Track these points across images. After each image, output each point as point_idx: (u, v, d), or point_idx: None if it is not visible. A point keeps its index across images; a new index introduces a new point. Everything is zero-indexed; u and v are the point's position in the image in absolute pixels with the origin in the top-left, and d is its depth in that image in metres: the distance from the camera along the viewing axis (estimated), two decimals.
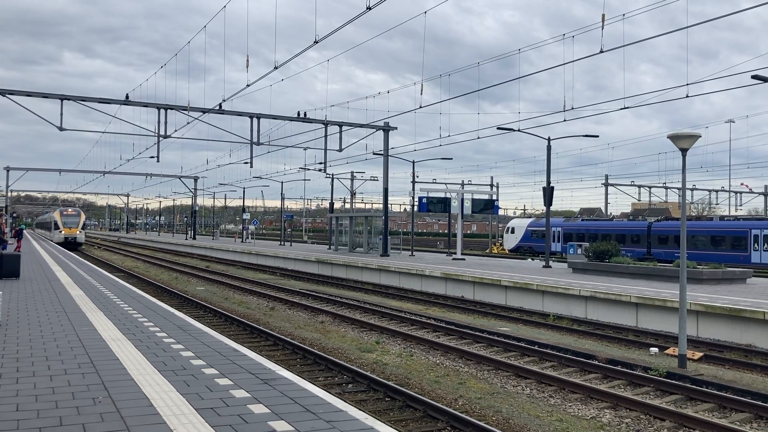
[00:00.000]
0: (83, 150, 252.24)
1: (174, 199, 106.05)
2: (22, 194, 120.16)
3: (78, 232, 59.15)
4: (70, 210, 63.86)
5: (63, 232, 58.03)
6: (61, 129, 30.50)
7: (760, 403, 9.66)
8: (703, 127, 75.43)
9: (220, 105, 30.03)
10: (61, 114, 30.43)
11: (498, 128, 30.18)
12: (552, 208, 31.99)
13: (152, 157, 34.37)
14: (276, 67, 20.88)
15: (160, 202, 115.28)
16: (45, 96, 30.60)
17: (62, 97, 30.52)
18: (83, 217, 62.87)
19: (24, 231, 43.15)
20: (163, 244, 72.07)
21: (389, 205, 39.34)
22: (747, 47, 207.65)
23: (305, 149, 39.11)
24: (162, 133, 32.13)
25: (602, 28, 18.20)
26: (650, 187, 62.24)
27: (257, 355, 8.86)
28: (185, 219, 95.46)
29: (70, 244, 56.92)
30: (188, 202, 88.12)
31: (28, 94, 30.35)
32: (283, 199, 66.07)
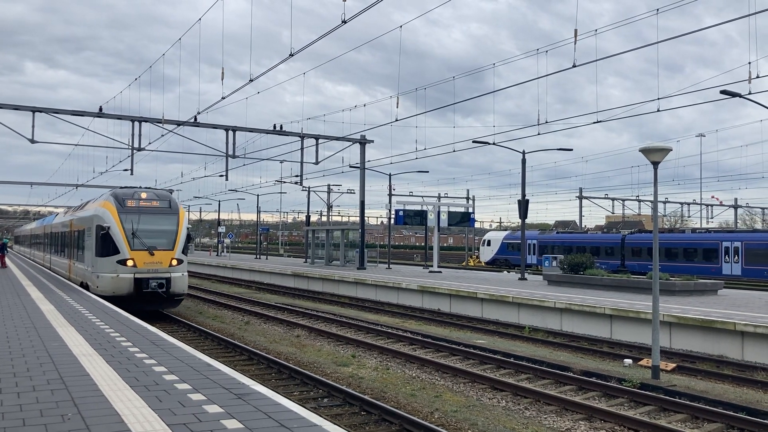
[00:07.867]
0: (52, 162, 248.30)
1: None
2: None
3: (174, 262, 20.70)
4: (143, 195, 21.48)
5: (131, 261, 20.04)
6: (32, 141, 30.07)
7: (731, 413, 9.79)
8: (673, 140, 76.72)
9: (195, 117, 29.85)
10: (33, 126, 30.02)
11: (474, 141, 30.41)
12: (527, 220, 32.22)
13: (126, 170, 33.96)
14: (251, 80, 20.85)
15: None
16: (16, 108, 30.15)
17: (34, 109, 30.11)
18: (185, 216, 21.97)
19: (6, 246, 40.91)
20: None
21: (366, 218, 39.34)
22: (711, 61, 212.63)
23: (281, 162, 39.03)
24: (136, 145, 31.81)
25: (575, 44, 18.47)
26: (623, 200, 63.13)
27: (231, 370, 8.75)
28: None
29: (151, 298, 20.16)
30: None
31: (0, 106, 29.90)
32: (259, 212, 65.72)
